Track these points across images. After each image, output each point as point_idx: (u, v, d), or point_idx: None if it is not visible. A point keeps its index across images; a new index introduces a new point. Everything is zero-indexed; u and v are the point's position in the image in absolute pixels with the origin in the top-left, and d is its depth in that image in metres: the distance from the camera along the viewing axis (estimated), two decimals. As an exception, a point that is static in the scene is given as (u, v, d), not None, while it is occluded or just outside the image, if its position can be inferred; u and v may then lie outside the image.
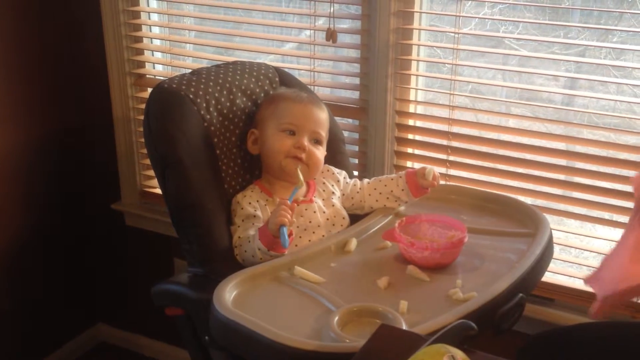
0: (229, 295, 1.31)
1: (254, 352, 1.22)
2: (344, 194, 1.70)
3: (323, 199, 1.65)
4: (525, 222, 1.61)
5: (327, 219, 1.62)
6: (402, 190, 1.66)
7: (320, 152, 1.64)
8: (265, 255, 1.48)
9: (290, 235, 1.45)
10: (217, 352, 1.53)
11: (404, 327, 1.18)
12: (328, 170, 1.72)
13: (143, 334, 2.65)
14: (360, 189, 1.70)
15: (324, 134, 1.66)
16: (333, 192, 1.68)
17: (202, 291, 1.47)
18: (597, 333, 1.27)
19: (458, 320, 1.08)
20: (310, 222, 1.59)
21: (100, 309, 2.70)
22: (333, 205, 1.65)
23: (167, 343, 2.58)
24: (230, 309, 1.26)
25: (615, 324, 1.28)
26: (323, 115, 1.66)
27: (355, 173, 1.91)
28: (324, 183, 1.69)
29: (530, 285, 1.41)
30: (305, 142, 1.61)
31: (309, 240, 1.57)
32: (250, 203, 1.59)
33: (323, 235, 1.59)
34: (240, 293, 1.34)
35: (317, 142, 1.64)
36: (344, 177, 1.73)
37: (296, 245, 1.56)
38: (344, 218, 1.65)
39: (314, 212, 1.61)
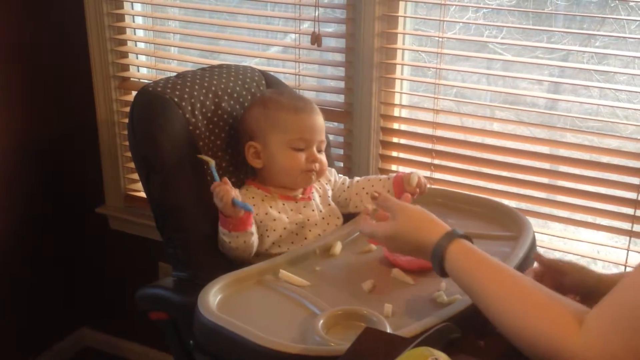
0: (213, 299, 1.31)
1: (238, 356, 1.21)
2: (333, 192, 1.71)
3: (320, 196, 1.66)
4: (509, 225, 1.62)
5: (323, 218, 1.63)
6: (388, 192, 1.66)
7: (325, 157, 1.66)
8: (230, 237, 1.49)
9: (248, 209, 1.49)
10: (202, 356, 1.52)
11: (389, 330, 1.18)
12: None
13: (128, 339, 2.64)
14: (347, 187, 1.71)
15: (325, 139, 1.68)
16: (328, 189, 1.69)
17: (187, 295, 1.47)
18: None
19: (442, 323, 1.09)
20: (308, 220, 1.60)
21: (85, 313, 2.69)
22: (329, 205, 1.66)
23: (152, 347, 2.57)
24: (215, 312, 1.26)
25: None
26: (322, 120, 1.67)
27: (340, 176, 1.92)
28: (319, 181, 1.69)
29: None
30: (316, 153, 1.62)
31: (305, 238, 1.58)
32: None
33: (319, 235, 1.60)
34: (224, 297, 1.34)
35: (322, 150, 1.65)
36: (334, 175, 1.74)
37: (292, 242, 1.57)
38: (338, 218, 1.66)
39: (312, 210, 1.62)
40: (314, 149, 1.62)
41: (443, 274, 1.19)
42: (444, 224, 1.24)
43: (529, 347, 1.02)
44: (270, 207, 1.59)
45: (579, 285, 1.30)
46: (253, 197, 1.61)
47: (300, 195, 1.64)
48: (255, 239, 1.53)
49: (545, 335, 0.99)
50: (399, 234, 1.26)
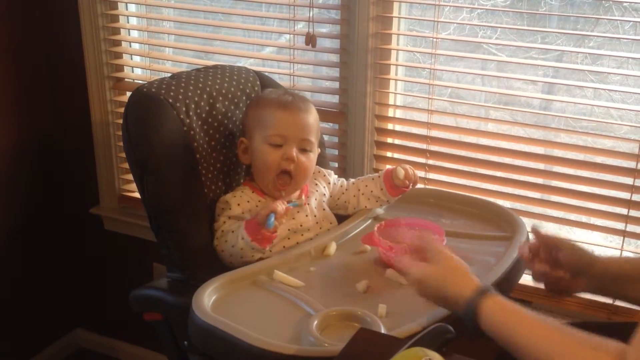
0: (208, 300, 1.31)
1: (233, 357, 1.21)
2: (331, 195, 1.70)
3: (315, 199, 1.65)
4: (503, 225, 1.62)
5: (317, 223, 1.62)
6: (381, 189, 1.66)
7: (310, 159, 1.60)
8: (246, 246, 1.47)
9: (274, 231, 1.45)
10: (196, 357, 1.52)
11: (383, 330, 1.18)
12: (319, 172, 1.70)
13: (122, 339, 2.64)
14: (346, 189, 1.71)
15: (313, 139, 1.60)
16: (324, 194, 1.67)
17: (181, 296, 1.47)
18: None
19: (436, 324, 1.09)
20: (301, 225, 1.59)
21: (79, 314, 2.68)
22: (324, 210, 1.65)
23: (146, 348, 2.56)
24: (209, 313, 1.26)
25: (591, 325, 1.29)
26: (310, 118, 1.60)
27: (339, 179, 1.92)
28: (316, 184, 1.67)
29: (507, 287, 1.42)
30: (294, 152, 1.56)
31: (297, 243, 1.57)
32: (239, 204, 1.58)
33: (311, 239, 1.59)
34: (219, 298, 1.34)
35: (306, 150, 1.59)
36: (333, 178, 1.72)
37: (284, 247, 1.56)
38: (331, 223, 1.65)
39: (306, 215, 1.60)
40: (293, 147, 1.56)
41: (476, 330, 1.16)
42: (475, 277, 1.21)
43: None
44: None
45: (572, 263, 1.32)
46: (248, 201, 1.59)
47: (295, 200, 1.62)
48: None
49: None
50: (431, 280, 1.23)
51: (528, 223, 1.62)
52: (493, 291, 1.16)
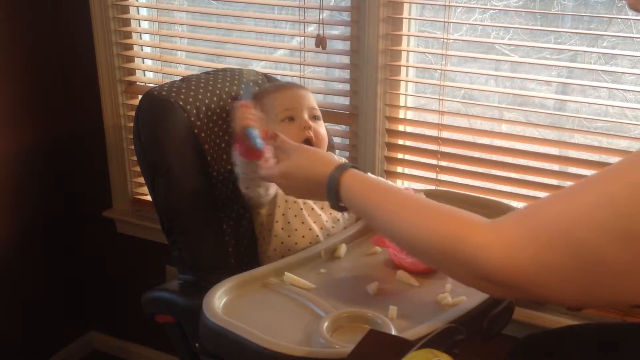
0: (218, 302, 1.31)
1: (243, 359, 1.21)
2: None
3: None
4: (516, 226, 1.60)
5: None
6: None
7: (323, 128, 1.64)
8: (245, 167, 1.44)
9: (271, 136, 1.37)
10: (208, 359, 1.52)
11: (393, 332, 1.18)
12: None
13: (135, 342, 2.64)
14: None
15: (318, 110, 1.65)
16: None
17: (192, 298, 1.47)
18: (586, 335, 1.27)
19: (446, 325, 1.08)
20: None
21: (92, 317, 2.69)
22: None
23: (159, 350, 2.57)
24: (220, 315, 1.26)
25: (604, 326, 1.28)
26: (310, 94, 1.66)
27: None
28: None
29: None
30: (308, 119, 1.60)
31: (314, 222, 1.57)
32: None
33: (328, 228, 1.59)
34: (229, 300, 1.33)
35: (316, 117, 1.63)
36: None
37: (314, 222, 1.57)
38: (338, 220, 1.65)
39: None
40: (305, 115, 1.60)
41: (339, 205, 1.20)
42: (338, 158, 1.24)
43: (431, 249, 1.02)
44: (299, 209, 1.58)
45: None
46: (286, 201, 1.59)
47: None
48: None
49: (448, 232, 0.99)
50: (293, 171, 1.28)
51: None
52: (355, 167, 1.20)
